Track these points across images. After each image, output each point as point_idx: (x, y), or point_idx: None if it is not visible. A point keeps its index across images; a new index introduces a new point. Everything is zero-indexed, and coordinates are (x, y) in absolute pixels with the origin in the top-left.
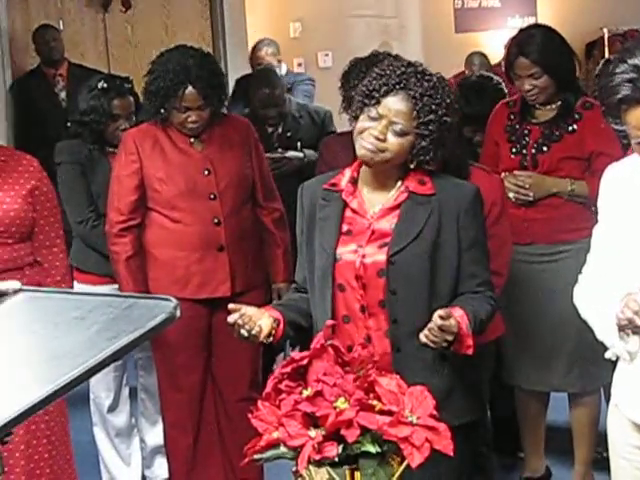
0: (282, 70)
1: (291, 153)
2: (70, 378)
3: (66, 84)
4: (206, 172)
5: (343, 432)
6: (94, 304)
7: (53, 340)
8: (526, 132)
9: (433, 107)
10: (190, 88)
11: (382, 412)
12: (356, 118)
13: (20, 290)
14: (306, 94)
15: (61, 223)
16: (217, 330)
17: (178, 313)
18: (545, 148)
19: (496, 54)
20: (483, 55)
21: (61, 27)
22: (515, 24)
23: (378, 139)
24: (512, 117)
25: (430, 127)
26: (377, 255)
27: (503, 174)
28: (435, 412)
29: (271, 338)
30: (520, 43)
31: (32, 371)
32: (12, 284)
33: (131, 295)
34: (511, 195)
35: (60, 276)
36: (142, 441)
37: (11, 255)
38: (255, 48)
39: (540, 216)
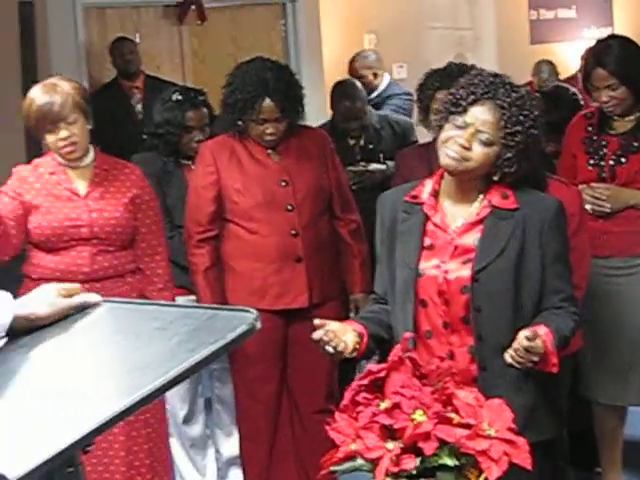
0: (384, 81)
1: (374, 166)
2: (152, 389)
3: (142, 96)
4: (283, 183)
5: (421, 445)
6: (175, 315)
7: (135, 351)
8: (604, 144)
9: (521, 118)
10: (268, 100)
11: (460, 425)
12: (441, 127)
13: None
14: (395, 109)
15: (163, 231)
16: (293, 341)
17: (258, 325)
18: (623, 160)
19: (571, 65)
20: (551, 63)
21: (137, 40)
22: (591, 35)
23: (464, 147)
24: (590, 129)
25: (516, 138)
26: (460, 271)
27: (581, 186)
28: (513, 425)
29: (355, 353)
30: (597, 54)
31: (114, 382)
32: (92, 297)
33: (212, 306)
34: (588, 207)
35: (162, 284)
36: (217, 452)
37: (112, 263)
38: (353, 59)
39: (617, 229)
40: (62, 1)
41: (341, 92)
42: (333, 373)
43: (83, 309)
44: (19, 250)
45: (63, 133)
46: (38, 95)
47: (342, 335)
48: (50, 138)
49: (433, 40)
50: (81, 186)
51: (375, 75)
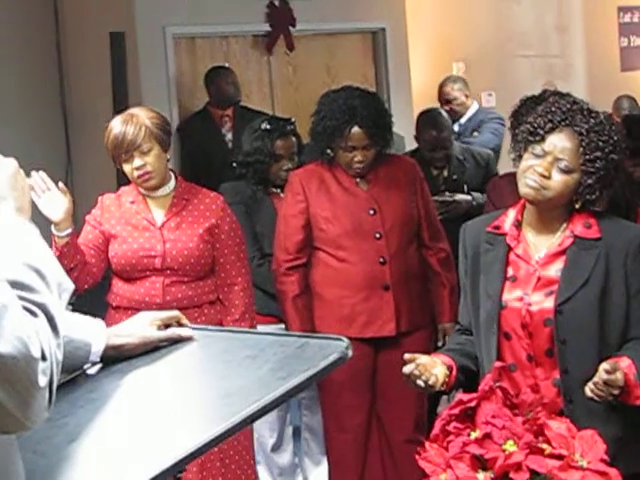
0: (473, 107)
1: (460, 196)
2: (242, 417)
3: (232, 125)
4: (372, 212)
5: (512, 475)
6: (266, 343)
7: (225, 379)
8: None
9: (600, 144)
10: (356, 128)
11: (552, 456)
12: (520, 157)
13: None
14: (494, 132)
15: (244, 261)
16: (382, 370)
17: (350, 353)
18: None
19: None
20: (632, 98)
21: None
22: None
23: (542, 176)
24: None
25: (597, 164)
26: (544, 303)
27: None
28: (606, 457)
29: (444, 386)
30: None
31: (205, 409)
32: (185, 331)
33: (303, 334)
34: None
35: (239, 314)
36: None
37: (186, 293)
38: (442, 83)
39: None
40: (153, 31)
41: (427, 121)
42: (422, 402)
43: (175, 342)
44: (99, 278)
45: (137, 162)
46: (115, 125)
47: (432, 369)
48: (126, 167)
49: (522, 68)
50: (158, 216)
51: (466, 97)
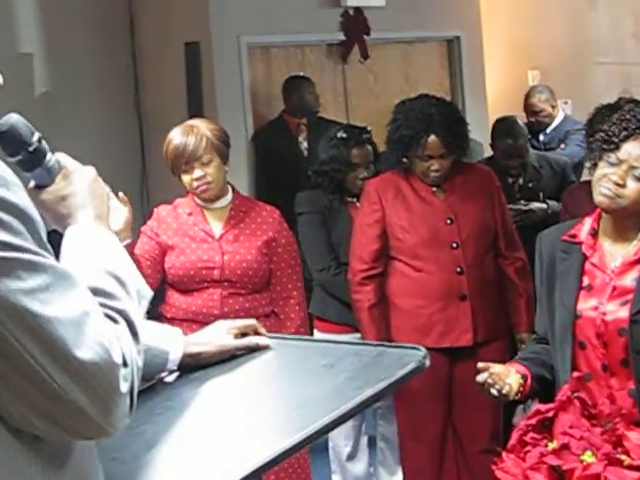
0: (559, 116)
1: (535, 205)
2: (319, 426)
3: (308, 134)
4: (448, 221)
5: None
6: (342, 352)
7: (301, 388)
8: None
9: None
10: (433, 136)
11: (631, 467)
12: (595, 165)
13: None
14: (580, 144)
15: (299, 275)
16: (458, 380)
17: (427, 362)
18: None
19: None
20: None
21: None
22: None
23: (617, 184)
24: None
25: None
26: (619, 313)
27: None
28: None
29: (519, 395)
30: None
31: (281, 419)
32: (262, 340)
33: (380, 344)
34: None
35: (294, 328)
36: None
37: (243, 306)
38: (528, 94)
39: None
40: (227, 41)
41: (503, 129)
42: (498, 413)
43: (252, 351)
44: (155, 290)
45: (197, 173)
46: (175, 136)
47: (506, 377)
48: (185, 178)
49: (598, 75)
50: (216, 228)
51: (553, 107)
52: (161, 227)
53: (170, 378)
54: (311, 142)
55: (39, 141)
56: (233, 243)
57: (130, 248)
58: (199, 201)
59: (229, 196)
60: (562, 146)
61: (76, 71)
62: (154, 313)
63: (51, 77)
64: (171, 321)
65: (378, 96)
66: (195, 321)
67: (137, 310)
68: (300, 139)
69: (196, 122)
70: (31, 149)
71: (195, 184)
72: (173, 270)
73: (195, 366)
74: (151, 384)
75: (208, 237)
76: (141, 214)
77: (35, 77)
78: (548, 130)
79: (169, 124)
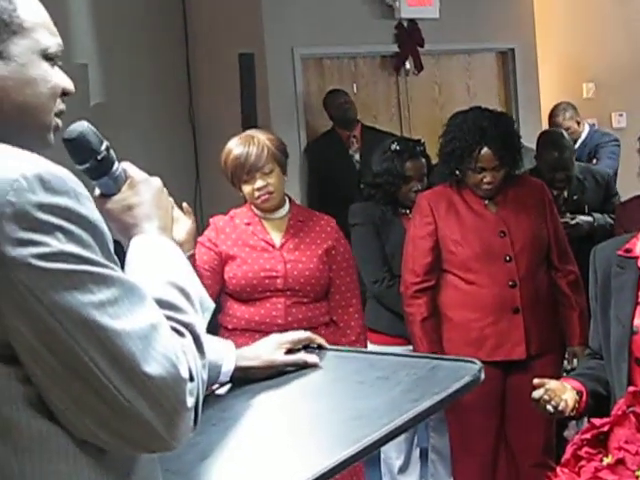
0: (585, 130)
1: (581, 217)
2: (375, 438)
3: (360, 146)
4: (501, 234)
5: None
6: (397, 364)
7: (356, 400)
8: None
9: None
10: (486, 149)
11: None
12: None
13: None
14: (612, 156)
15: (357, 283)
16: (511, 393)
17: (482, 376)
18: None
19: None
20: None
21: (355, 90)
22: None
23: None
24: None
25: None
26: None
27: None
28: None
29: (574, 412)
30: None
31: (336, 431)
32: (312, 358)
33: (435, 356)
34: None
35: (355, 336)
36: None
37: (305, 315)
38: (552, 113)
39: None
40: (281, 52)
41: (548, 142)
42: (551, 426)
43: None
44: (214, 300)
45: (259, 183)
46: (235, 146)
47: (562, 394)
48: (246, 188)
49: None
50: (276, 237)
51: (578, 124)
52: (220, 237)
53: (222, 390)
54: (363, 154)
55: (107, 150)
56: (294, 252)
57: (193, 259)
58: (257, 211)
59: (287, 206)
60: (594, 160)
61: (131, 82)
62: (213, 324)
63: (106, 88)
64: (232, 332)
65: (442, 106)
66: (258, 331)
67: (202, 323)
68: (351, 151)
69: (255, 132)
70: (99, 157)
71: (257, 194)
72: (235, 280)
73: (245, 379)
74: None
75: (269, 246)
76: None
77: (90, 88)
78: (576, 146)
79: (223, 135)
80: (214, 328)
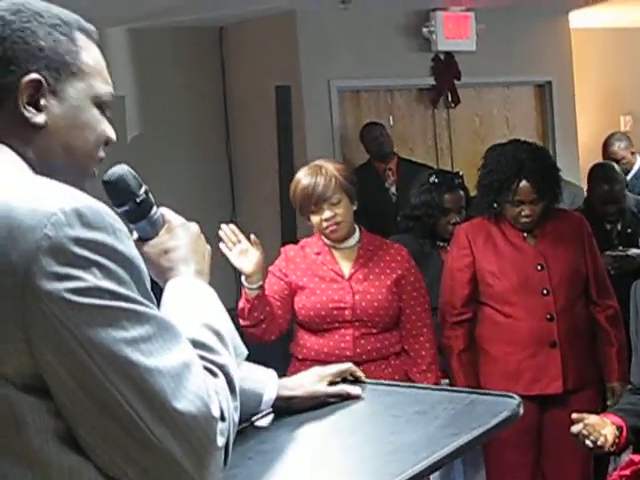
0: (638, 162)
1: (633, 251)
2: (413, 473)
3: (396, 179)
4: (539, 267)
5: None
6: (435, 399)
7: (394, 434)
8: None
9: None
10: (524, 182)
11: None
12: None
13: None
14: None
15: (428, 312)
16: (548, 428)
17: (521, 410)
18: None
19: None
20: None
21: (391, 122)
22: None
23: None
24: None
25: None
26: None
27: None
28: None
29: (614, 447)
30: None
31: (373, 465)
32: (354, 390)
33: (472, 390)
34: None
35: (426, 365)
36: None
37: (374, 345)
38: (607, 142)
39: None
40: (318, 85)
41: (600, 175)
42: (589, 462)
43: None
44: (285, 330)
45: (327, 214)
46: (303, 177)
47: (601, 429)
48: (314, 218)
49: None
50: (345, 267)
51: (632, 154)
52: (289, 267)
53: (264, 422)
54: (400, 186)
55: (146, 193)
56: (363, 282)
57: (263, 289)
58: (327, 241)
59: (357, 235)
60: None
61: (167, 115)
62: (285, 353)
63: (143, 121)
64: (303, 362)
65: (483, 139)
66: (327, 362)
67: (235, 366)
68: (387, 184)
69: (323, 162)
70: (138, 200)
71: (325, 224)
72: (304, 311)
73: (287, 410)
74: (243, 427)
75: (338, 277)
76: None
77: (127, 119)
78: (629, 177)
79: (259, 168)
80: (286, 357)
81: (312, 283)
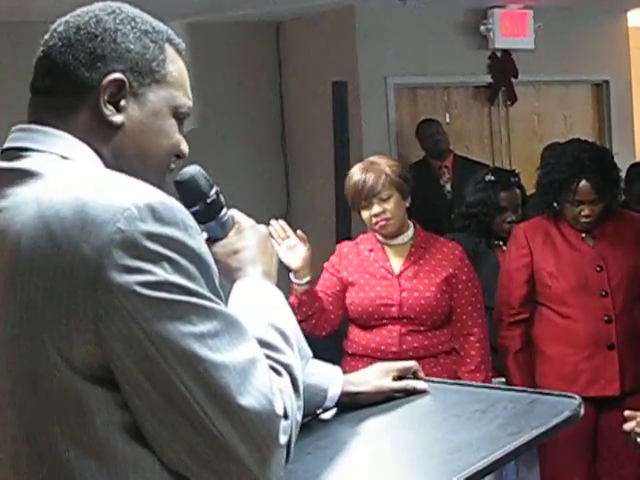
0: None
1: None
2: (474, 471)
3: (451, 176)
4: (598, 268)
5: None
6: (495, 398)
7: (454, 432)
8: None
9: None
10: (584, 182)
11: None
12: None
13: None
14: None
15: (480, 312)
16: (603, 430)
17: (582, 411)
18: None
19: None
20: None
21: (447, 120)
22: None
23: None
24: None
25: None
26: None
27: None
28: None
29: None
30: None
31: (434, 463)
32: (420, 384)
33: (534, 390)
34: None
35: (475, 365)
36: None
37: (422, 343)
38: None
39: None
40: (375, 81)
41: (636, 174)
42: None
43: (409, 394)
44: (337, 325)
45: (376, 209)
46: (355, 172)
47: None
48: (365, 214)
49: None
50: (396, 264)
51: None
52: (342, 263)
53: (327, 415)
54: (455, 184)
55: (217, 194)
56: (412, 280)
57: (312, 285)
58: (380, 237)
59: (410, 232)
60: None
61: (224, 109)
62: (337, 350)
63: (199, 115)
64: (352, 357)
65: (541, 137)
66: (374, 357)
67: (300, 366)
68: (442, 182)
69: (377, 158)
70: (209, 201)
71: (374, 220)
72: (353, 307)
73: (351, 405)
74: (307, 420)
75: (388, 274)
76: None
77: None
78: None
79: (314, 164)
80: (340, 353)
81: (362, 279)
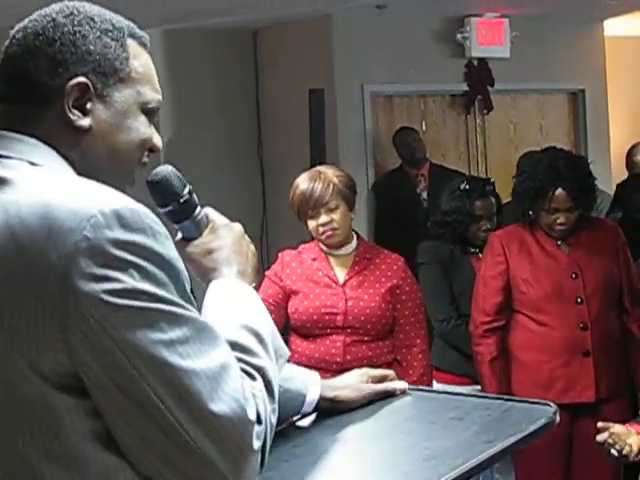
0: None
1: None
2: (449, 479)
3: (427, 184)
4: (573, 275)
5: None
6: (471, 405)
7: (430, 440)
8: None
9: None
10: (560, 190)
11: None
12: None
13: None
14: None
15: (423, 323)
16: (578, 436)
17: (557, 418)
18: None
19: None
20: None
21: (424, 128)
22: None
23: None
24: None
25: None
26: None
27: None
28: None
29: (639, 456)
30: None
31: (409, 470)
32: (399, 384)
33: (509, 398)
34: None
35: (417, 376)
36: None
37: (365, 353)
38: (630, 152)
39: None
40: (351, 89)
41: (635, 185)
42: (619, 471)
43: (388, 396)
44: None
45: (323, 218)
46: (303, 181)
47: (626, 438)
48: (311, 223)
49: None
50: (340, 273)
51: None
52: (285, 272)
53: (305, 422)
54: (431, 191)
55: (190, 194)
56: (357, 289)
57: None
58: (324, 247)
59: (354, 243)
60: None
61: (200, 116)
62: None
63: (176, 121)
64: None
65: (517, 146)
66: (317, 368)
67: (275, 368)
68: (419, 190)
69: (323, 168)
70: (182, 201)
71: (321, 230)
72: (297, 315)
73: (330, 411)
74: (283, 427)
75: (332, 282)
76: (261, 259)
77: (160, 124)
78: None
79: (291, 171)
80: None
81: (306, 288)
